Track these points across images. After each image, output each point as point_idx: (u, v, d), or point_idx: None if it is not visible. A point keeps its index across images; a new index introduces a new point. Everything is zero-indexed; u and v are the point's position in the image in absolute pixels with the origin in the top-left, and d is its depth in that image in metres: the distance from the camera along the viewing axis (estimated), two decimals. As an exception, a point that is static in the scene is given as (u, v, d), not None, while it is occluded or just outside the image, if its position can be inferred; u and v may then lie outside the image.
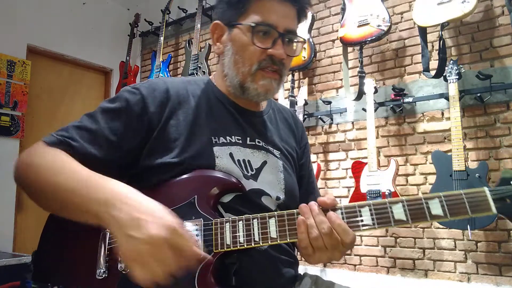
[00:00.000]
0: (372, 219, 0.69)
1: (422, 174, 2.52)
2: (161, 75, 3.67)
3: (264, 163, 0.91)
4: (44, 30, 3.58)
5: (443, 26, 2.25)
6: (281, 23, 0.84)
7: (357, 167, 2.50)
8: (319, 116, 2.93)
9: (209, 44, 3.47)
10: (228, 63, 0.89)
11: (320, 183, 2.87)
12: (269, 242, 0.73)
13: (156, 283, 0.60)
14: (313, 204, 0.72)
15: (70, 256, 0.85)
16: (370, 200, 0.71)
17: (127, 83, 3.90)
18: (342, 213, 0.70)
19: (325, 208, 0.71)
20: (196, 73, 3.29)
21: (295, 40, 0.89)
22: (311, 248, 0.70)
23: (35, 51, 3.55)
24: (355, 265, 2.70)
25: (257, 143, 0.92)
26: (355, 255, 2.70)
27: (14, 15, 3.36)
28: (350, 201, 2.49)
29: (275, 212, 0.75)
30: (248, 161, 0.89)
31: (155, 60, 3.79)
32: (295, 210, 0.73)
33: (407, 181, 2.57)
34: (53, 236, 0.88)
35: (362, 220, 0.69)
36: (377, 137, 2.63)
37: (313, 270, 2.80)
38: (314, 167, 2.85)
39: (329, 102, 2.85)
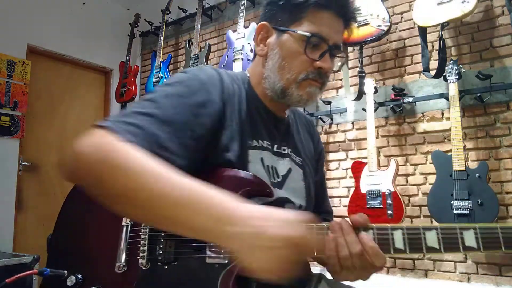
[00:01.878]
0: (404, 244, 0.66)
1: (422, 174, 2.52)
2: (161, 75, 3.66)
3: (289, 170, 0.92)
4: (44, 30, 3.57)
5: (443, 26, 2.25)
6: (332, 37, 0.84)
7: (357, 167, 2.50)
8: (319, 116, 2.93)
9: (209, 44, 3.47)
10: (272, 67, 0.87)
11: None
12: None
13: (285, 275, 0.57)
14: (344, 222, 0.68)
15: (87, 245, 0.83)
16: (404, 224, 0.68)
17: (127, 83, 3.90)
18: (374, 234, 0.67)
19: (357, 227, 0.67)
20: (196, 73, 3.29)
21: (338, 55, 0.90)
22: (339, 267, 0.67)
23: (35, 51, 3.55)
24: (355, 265, 2.69)
25: (282, 151, 0.93)
26: (355, 255, 2.70)
27: (14, 15, 3.36)
28: (350, 202, 2.50)
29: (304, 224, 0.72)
30: (275, 168, 0.89)
31: (155, 60, 3.79)
32: (325, 224, 0.69)
33: (407, 181, 2.57)
34: (70, 221, 0.86)
35: (394, 244, 0.66)
36: (377, 137, 2.63)
37: (314, 269, 2.80)
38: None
39: (329, 102, 2.85)
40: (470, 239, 0.65)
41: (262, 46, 0.90)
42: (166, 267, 0.74)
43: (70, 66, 3.90)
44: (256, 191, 0.79)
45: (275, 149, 0.91)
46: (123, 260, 0.77)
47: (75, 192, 0.87)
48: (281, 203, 0.86)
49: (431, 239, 0.65)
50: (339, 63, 0.92)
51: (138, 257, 0.76)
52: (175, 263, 0.75)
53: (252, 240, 0.55)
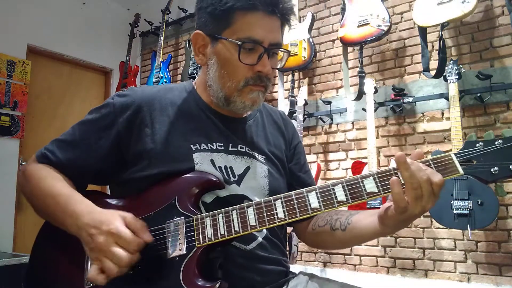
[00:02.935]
0: (345, 195, 0.73)
1: (422, 174, 2.52)
2: (161, 75, 3.67)
3: (247, 169, 0.90)
4: (44, 30, 3.57)
5: (443, 26, 2.25)
6: (266, 37, 0.82)
7: (357, 167, 2.50)
8: (319, 116, 2.93)
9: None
10: (213, 76, 0.87)
11: (320, 184, 2.87)
12: (249, 230, 0.74)
13: (112, 276, 0.71)
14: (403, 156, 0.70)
15: (60, 269, 0.86)
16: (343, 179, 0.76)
17: (127, 83, 3.90)
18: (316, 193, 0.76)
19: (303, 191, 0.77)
20: (196, 73, 3.29)
21: (280, 51, 0.88)
22: (405, 201, 0.68)
23: (35, 51, 3.55)
24: (355, 265, 2.70)
25: (239, 149, 0.91)
26: (355, 255, 2.70)
27: (14, 15, 3.35)
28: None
29: (253, 202, 0.76)
30: (231, 167, 0.88)
31: (155, 60, 3.79)
32: (271, 198, 0.75)
33: (407, 181, 2.56)
34: (43, 250, 0.91)
35: (336, 198, 0.75)
36: (377, 137, 2.63)
37: (313, 270, 2.80)
38: (314, 167, 2.85)
39: (329, 102, 2.85)
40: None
41: (201, 56, 0.90)
42: (131, 272, 0.74)
43: (70, 66, 3.90)
44: (203, 186, 0.82)
45: (230, 149, 0.90)
46: None
47: (43, 231, 0.94)
48: (240, 199, 0.86)
49: (370, 186, 0.72)
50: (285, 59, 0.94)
51: None
52: (140, 267, 0.75)
53: (87, 242, 0.74)
